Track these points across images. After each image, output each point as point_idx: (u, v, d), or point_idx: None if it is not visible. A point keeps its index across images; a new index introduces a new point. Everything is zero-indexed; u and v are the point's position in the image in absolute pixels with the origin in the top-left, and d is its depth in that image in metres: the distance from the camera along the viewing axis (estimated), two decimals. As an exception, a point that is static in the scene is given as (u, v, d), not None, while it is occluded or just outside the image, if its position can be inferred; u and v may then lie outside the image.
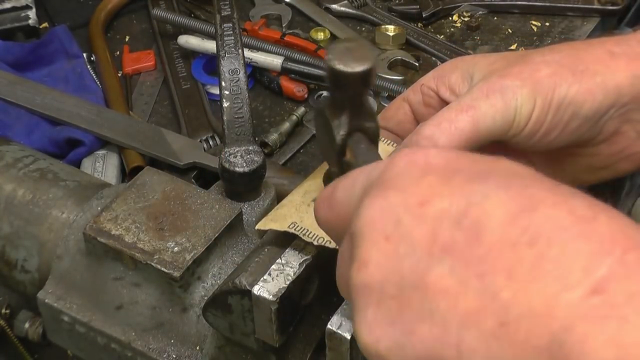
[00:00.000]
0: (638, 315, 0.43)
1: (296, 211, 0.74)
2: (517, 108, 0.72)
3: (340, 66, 0.61)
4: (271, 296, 0.70)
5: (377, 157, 0.64)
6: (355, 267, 0.52)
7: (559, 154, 0.78)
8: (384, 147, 0.78)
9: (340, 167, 0.66)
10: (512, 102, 0.72)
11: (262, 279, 0.71)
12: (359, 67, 0.60)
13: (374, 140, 0.65)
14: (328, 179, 0.76)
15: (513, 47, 1.41)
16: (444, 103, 0.77)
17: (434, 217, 0.49)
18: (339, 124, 0.64)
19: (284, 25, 1.46)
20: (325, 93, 1.33)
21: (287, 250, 0.73)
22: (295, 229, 0.72)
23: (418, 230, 0.50)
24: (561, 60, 0.74)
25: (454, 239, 0.48)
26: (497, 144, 0.75)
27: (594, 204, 0.48)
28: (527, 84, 0.73)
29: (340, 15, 1.48)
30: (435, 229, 0.49)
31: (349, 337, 0.65)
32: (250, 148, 0.89)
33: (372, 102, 1.31)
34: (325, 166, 0.78)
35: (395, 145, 0.80)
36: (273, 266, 0.71)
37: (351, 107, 0.64)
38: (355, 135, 0.64)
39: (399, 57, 1.38)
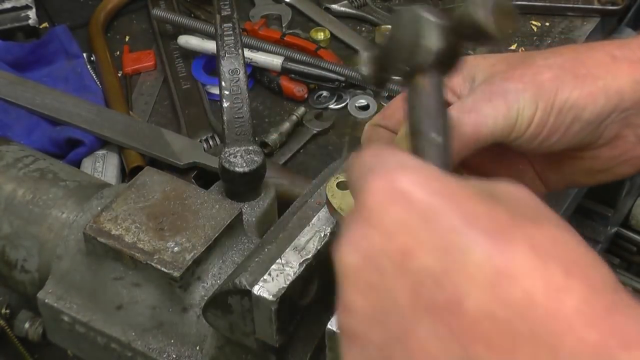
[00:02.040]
0: None
1: None
2: (519, 111, 0.72)
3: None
4: (271, 296, 0.70)
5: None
6: (340, 310, 0.52)
7: (559, 156, 0.78)
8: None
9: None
10: (514, 105, 0.72)
11: (262, 279, 0.71)
12: None
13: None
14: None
15: (513, 47, 1.41)
16: (445, 104, 0.77)
17: (416, 271, 0.49)
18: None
19: (284, 25, 1.45)
20: (325, 93, 1.33)
21: (287, 250, 0.73)
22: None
23: (401, 285, 0.49)
24: (563, 64, 0.74)
25: (436, 300, 0.48)
26: (497, 146, 0.75)
27: (570, 269, 0.47)
28: (530, 87, 0.72)
29: (340, 15, 1.48)
30: (417, 285, 0.49)
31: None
32: (250, 148, 0.90)
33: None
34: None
35: None
36: (273, 266, 0.71)
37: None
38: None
39: (399, 57, 1.37)
